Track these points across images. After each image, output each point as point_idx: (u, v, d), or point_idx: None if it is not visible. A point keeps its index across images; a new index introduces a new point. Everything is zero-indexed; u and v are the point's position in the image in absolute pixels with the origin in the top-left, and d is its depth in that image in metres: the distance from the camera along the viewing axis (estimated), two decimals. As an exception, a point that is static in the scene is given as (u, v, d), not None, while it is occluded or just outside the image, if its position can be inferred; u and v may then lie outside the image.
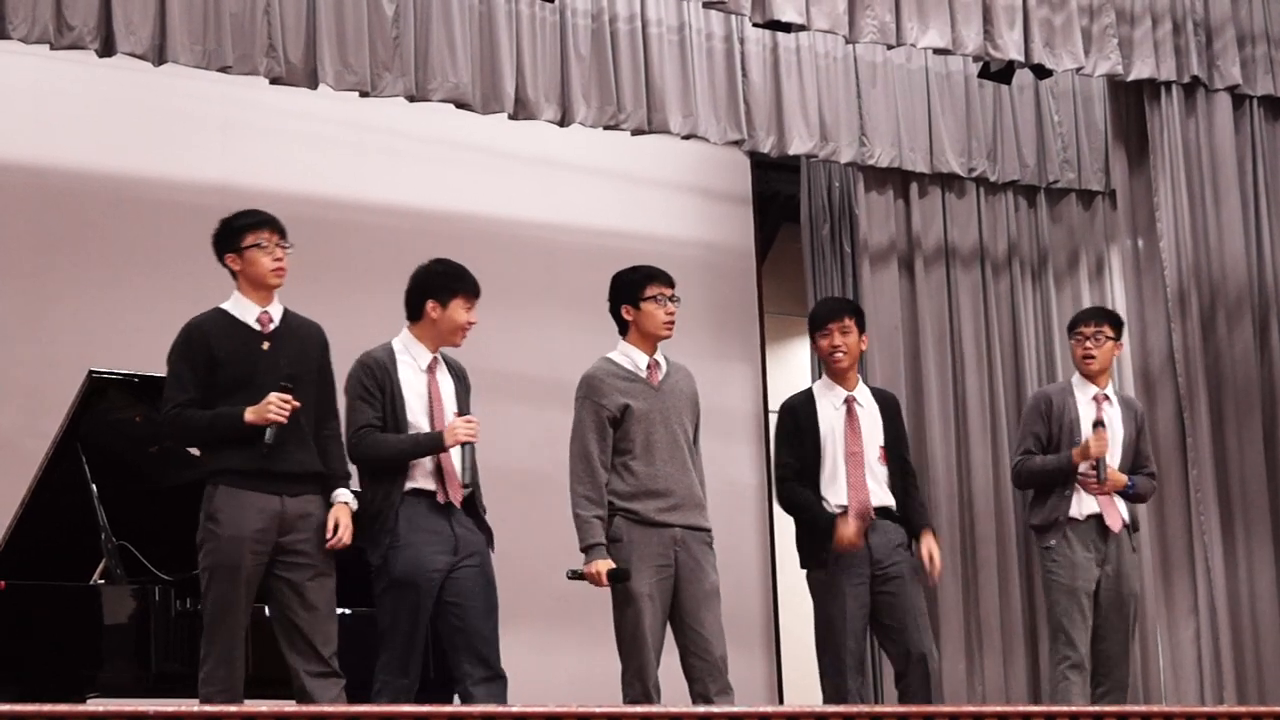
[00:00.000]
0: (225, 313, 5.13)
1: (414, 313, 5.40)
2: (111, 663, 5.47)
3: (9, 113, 7.63)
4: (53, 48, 6.60)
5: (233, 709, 4.24)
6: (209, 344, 5.04)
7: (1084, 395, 6.45)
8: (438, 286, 5.38)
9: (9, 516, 5.72)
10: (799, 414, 5.98)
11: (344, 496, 5.12)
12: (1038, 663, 8.59)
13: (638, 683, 5.40)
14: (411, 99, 7.34)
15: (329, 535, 5.03)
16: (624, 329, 5.70)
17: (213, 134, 8.04)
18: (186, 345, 5.06)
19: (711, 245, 8.95)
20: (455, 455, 5.23)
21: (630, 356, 5.65)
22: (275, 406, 4.97)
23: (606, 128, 7.84)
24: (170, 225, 7.84)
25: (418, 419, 5.28)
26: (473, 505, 5.32)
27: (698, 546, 5.55)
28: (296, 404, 5.00)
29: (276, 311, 5.16)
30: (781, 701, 8.91)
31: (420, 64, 7.29)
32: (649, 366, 5.63)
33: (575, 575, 5.48)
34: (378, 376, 5.27)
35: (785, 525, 9.13)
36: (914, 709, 5.11)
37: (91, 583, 5.63)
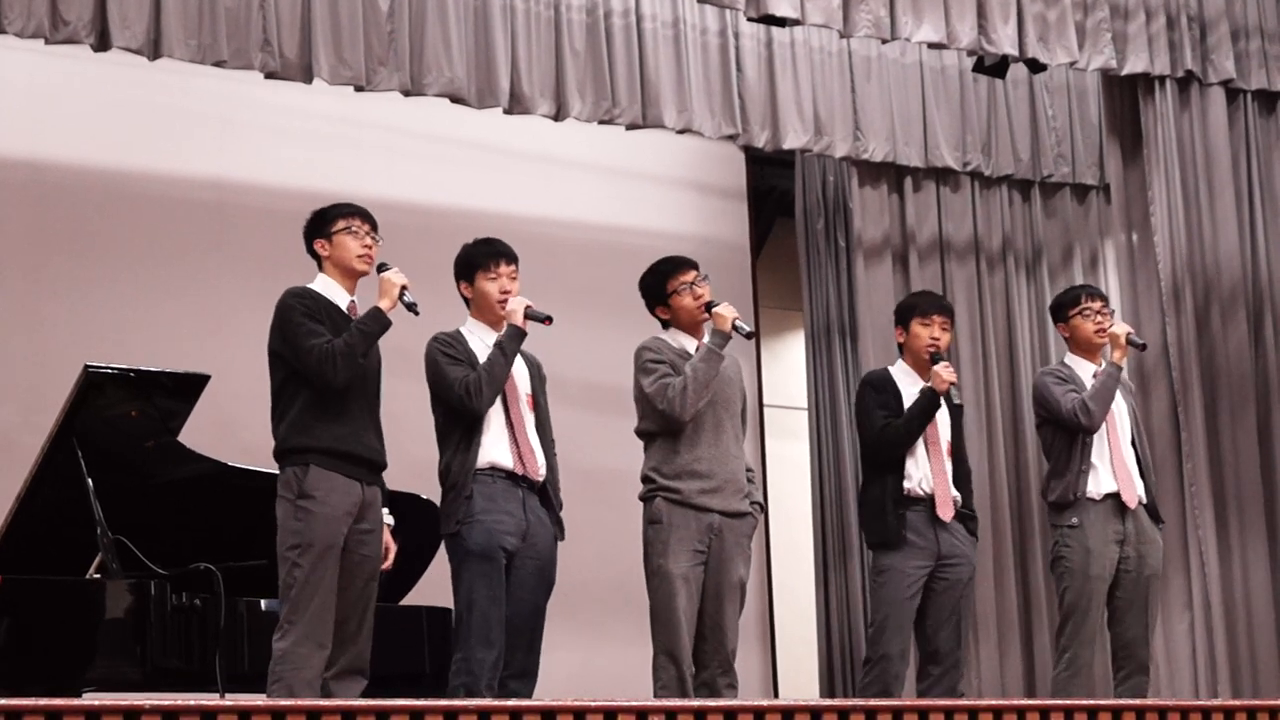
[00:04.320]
0: (317, 293, 5.07)
1: (465, 300, 5.47)
2: (107, 657, 5.46)
3: (3, 108, 7.62)
4: (47, 42, 6.59)
5: (228, 703, 4.20)
6: (317, 306, 5.00)
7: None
8: (461, 268, 5.46)
9: (5, 511, 5.71)
10: (885, 387, 5.99)
11: (388, 518, 5.14)
12: (1033, 655, 8.61)
13: (672, 665, 5.40)
14: (406, 93, 7.33)
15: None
16: (665, 324, 5.77)
17: (208, 129, 8.03)
18: (300, 301, 4.99)
19: (706, 240, 8.94)
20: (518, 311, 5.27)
21: (678, 340, 5.71)
22: (392, 275, 5.01)
23: (601, 122, 7.84)
24: (166, 221, 7.85)
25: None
26: (548, 495, 5.34)
27: (733, 537, 5.57)
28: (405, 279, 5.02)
29: (360, 305, 5.12)
30: (777, 695, 8.91)
31: (415, 58, 7.29)
32: (697, 349, 5.67)
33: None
34: (456, 346, 5.31)
35: (782, 520, 9.18)
36: (908, 703, 5.11)
37: (87, 577, 5.62)
